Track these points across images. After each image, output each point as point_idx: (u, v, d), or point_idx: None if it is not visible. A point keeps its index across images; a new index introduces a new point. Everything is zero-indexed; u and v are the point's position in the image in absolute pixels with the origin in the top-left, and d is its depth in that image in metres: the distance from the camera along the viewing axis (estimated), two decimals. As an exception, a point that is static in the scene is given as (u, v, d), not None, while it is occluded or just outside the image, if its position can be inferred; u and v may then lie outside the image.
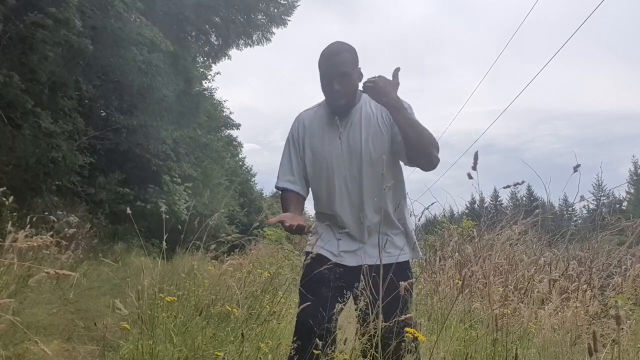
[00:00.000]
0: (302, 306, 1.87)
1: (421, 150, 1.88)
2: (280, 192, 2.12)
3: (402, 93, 2.12)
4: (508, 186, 2.00)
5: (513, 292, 3.81)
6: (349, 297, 1.87)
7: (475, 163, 1.71)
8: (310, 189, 2.10)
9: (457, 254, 5.02)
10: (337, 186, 1.98)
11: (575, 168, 2.04)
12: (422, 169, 1.93)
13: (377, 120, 1.98)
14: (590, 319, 3.23)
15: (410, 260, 2.05)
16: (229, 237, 3.75)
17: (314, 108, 2.11)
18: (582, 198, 3.75)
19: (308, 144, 2.04)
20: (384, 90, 1.84)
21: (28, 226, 4.55)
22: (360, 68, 2.00)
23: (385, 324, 1.65)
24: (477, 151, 1.72)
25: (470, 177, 1.74)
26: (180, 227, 3.37)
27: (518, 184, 2.00)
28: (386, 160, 1.89)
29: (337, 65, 1.91)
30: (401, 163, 2.05)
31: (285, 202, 2.04)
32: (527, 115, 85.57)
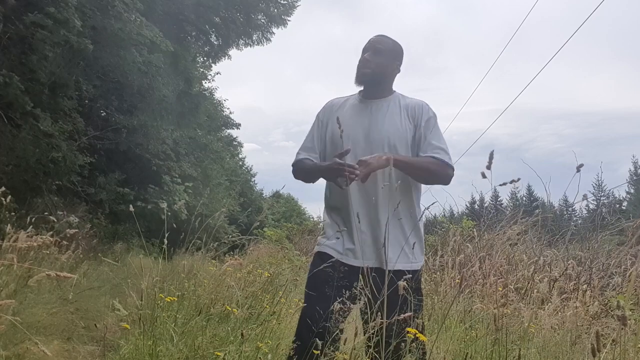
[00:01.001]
0: (305, 306, 1.87)
1: (430, 182, 2.07)
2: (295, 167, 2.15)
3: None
4: (504, 183, 1.99)
5: (513, 292, 3.81)
6: (351, 297, 1.86)
7: (490, 162, 1.71)
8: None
9: (457, 255, 5.02)
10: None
11: (578, 168, 2.04)
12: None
13: (402, 119, 2.02)
14: (591, 319, 3.23)
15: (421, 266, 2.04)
16: (231, 238, 3.76)
17: (346, 97, 2.18)
18: (585, 197, 3.74)
19: (330, 126, 2.09)
20: (368, 166, 1.85)
21: (30, 227, 4.54)
22: (399, 65, 2.11)
23: (386, 323, 1.64)
24: (493, 150, 1.73)
25: (484, 176, 1.74)
26: (177, 226, 3.37)
27: (514, 181, 2.00)
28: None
29: (376, 42, 2.09)
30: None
31: (306, 162, 2.09)
32: (528, 115, 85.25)
